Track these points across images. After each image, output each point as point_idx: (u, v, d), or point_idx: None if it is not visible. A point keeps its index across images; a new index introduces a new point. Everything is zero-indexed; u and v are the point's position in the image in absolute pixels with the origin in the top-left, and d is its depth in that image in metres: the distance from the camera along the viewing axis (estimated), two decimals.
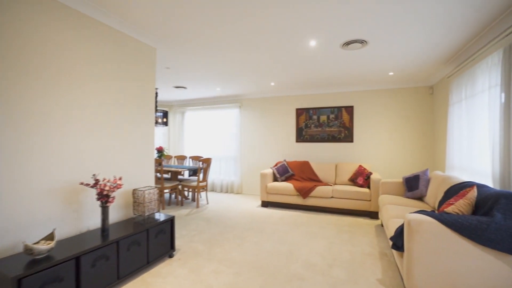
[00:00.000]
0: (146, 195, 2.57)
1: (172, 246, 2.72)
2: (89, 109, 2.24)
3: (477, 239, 1.64)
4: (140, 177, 2.80)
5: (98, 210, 2.32)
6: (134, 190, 2.58)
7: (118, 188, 2.19)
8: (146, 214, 2.58)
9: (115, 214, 2.51)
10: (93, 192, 2.27)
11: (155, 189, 2.68)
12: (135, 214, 2.61)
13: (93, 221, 2.28)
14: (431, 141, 4.64)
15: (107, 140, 2.41)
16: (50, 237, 1.77)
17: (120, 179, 2.26)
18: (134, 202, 2.59)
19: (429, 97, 4.65)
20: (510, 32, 2.21)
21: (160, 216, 2.69)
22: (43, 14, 1.90)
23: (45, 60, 1.92)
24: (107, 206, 2.14)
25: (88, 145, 2.23)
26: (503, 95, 2.29)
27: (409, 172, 4.79)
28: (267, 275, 2.34)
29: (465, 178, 3.01)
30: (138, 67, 2.76)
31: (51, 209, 1.95)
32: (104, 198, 2.10)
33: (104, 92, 2.38)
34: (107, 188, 2.10)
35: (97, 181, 2.09)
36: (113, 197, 2.18)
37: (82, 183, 2.03)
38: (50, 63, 1.95)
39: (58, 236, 2.00)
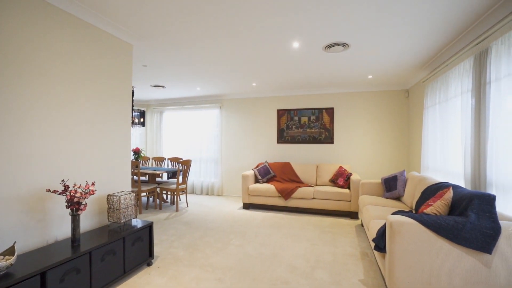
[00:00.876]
0: (122, 201, 2.41)
1: (150, 254, 2.58)
2: (57, 106, 2.05)
3: (454, 239, 1.70)
4: (116, 181, 2.63)
5: (68, 219, 2.14)
6: (108, 195, 2.41)
7: (90, 194, 2.03)
8: (122, 221, 2.43)
9: (88, 221, 2.33)
10: (62, 199, 2.09)
11: (132, 194, 2.53)
12: (110, 221, 2.44)
13: (63, 231, 2.10)
14: (407, 143, 4.85)
15: (78, 142, 2.23)
16: (10, 251, 1.59)
17: (93, 184, 2.10)
18: (109, 208, 2.43)
19: (404, 100, 4.85)
20: (480, 41, 2.34)
21: (138, 223, 2.54)
22: (5, 4, 1.71)
23: (8, 54, 1.72)
24: (78, 214, 1.97)
25: (56, 147, 2.04)
26: (473, 100, 2.42)
27: (386, 173, 4.97)
28: (251, 280, 2.29)
29: (439, 178, 3.16)
30: (114, 64, 2.59)
31: (11, 220, 1.75)
32: (74, 205, 1.93)
33: (75, 89, 2.19)
34: (78, 194, 1.93)
35: (66, 187, 1.92)
36: (85, 204, 2.01)
37: (49, 190, 1.85)
38: (13, 55, 1.75)
39: (20, 249, 1.80)
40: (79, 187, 2.01)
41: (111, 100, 2.56)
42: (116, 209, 2.41)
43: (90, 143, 2.34)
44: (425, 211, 1.93)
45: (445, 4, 2.14)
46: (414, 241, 1.78)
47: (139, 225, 2.48)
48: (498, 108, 2.14)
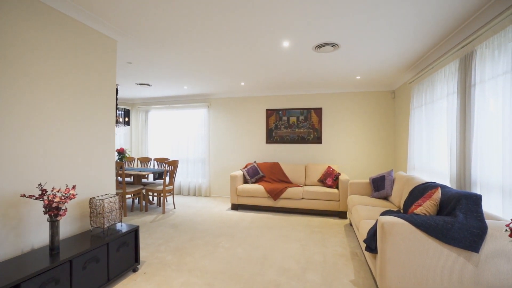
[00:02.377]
0: (106, 205, 2.29)
1: (136, 259, 2.47)
2: (34, 104, 1.91)
3: (443, 238, 1.73)
4: (99, 183, 2.49)
5: (46, 225, 2.00)
6: (91, 199, 2.29)
7: (71, 198, 1.90)
8: (106, 225, 2.30)
9: (68, 227, 2.19)
10: (39, 204, 1.95)
11: (116, 197, 2.41)
12: (93, 226, 2.31)
13: (40, 238, 1.96)
14: (393, 143, 4.95)
15: (58, 142, 2.09)
16: None
17: (73, 188, 1.97)
18: (92, 212, 2.30)
19: (391, 101, 4.95)
20: (465, 44, 2.40)
21: (122, 227, 2.43)
22: None
23: None
24: (57, 220, 1.84)
25: (33, 148, 1.90)
26: (459, 102, 2.48)
27: (374, 172, 5.05)
28: (242, 284, 2.24)
29: (425, 178, 3.24)
30: (97, 60, 2.45)
31: None
32: (53, 211, 1.80)
33: (54, 86, 2.05)
34: (56, 199, 1.81)
35: (44, 191, 1.79)
36: (65, 209, 1.88)
37: (23, 195, 1.71)
38: None
39: None
40: (58, 191, 1.88)
41: (94, 98, 2.43)
42: (99, 213, 2.28)
43: (70, 144, 2.21)
44: (415, 211, 1.95)
45: (431, 9, 2.18)
46: (405, 241, 1.79)
47: (124, 229, 2.37)
48: (483, 110, 2.20)
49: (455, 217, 1.77)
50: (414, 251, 1.77)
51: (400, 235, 1.79)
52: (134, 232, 2.46)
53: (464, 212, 1.78)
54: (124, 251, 2.33)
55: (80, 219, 2.31)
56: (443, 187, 2.22)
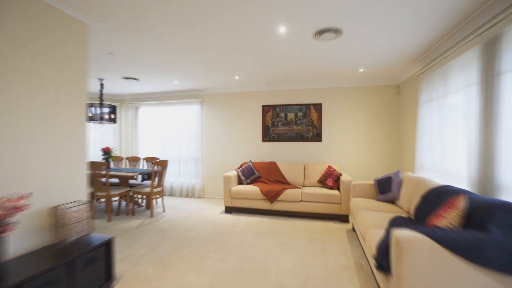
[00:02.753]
0: (72, 214, 1.96)
1: (109, 277, 2.14)
2: None
3: (475, 260, 1.41)
4: (66, 189, 2.15)
5: None
6: (53, 208, 1.95)
7: (21, 210, 1.57)
8: (73, 238, 1.98)
9: (25, 242, 1.85)
10: None
11: (86, 204, 2.07)
12: (56, 240, 1.98)
13: None
14: (398, 141, 4.63)
15: (10, 141, 1.75)
16: None
17: (27, 196, 1.64)
18: (55, 223, 1.96)
19: (395, 96, 4.62)
20: (490, 27, 2.06)
21: (92, 239, 2.09)
22: None
23: None
24: (1, 238, 1.51)
25: None
26: (480, 94, 2.16)
27: (377, 173, 4.73)
28: None
29: (436, 179, 2.91)
30: (62, 46, 2.10)
31: None
32: None
33: (5, 74, 1.71)
34: (0, 212, 1.47)
35: None
36: (14, 223, 1.55)
37: None
38: None
39: None
40: (3, 202, 1.54)
41: (59, 89, 2.08)
42: (65, 225, 1.95)
43: (28, 143, 1.86)
44: (438, 224, 1.63)
45: None
46: (426, 261, 1.47)
47: (94, 242, 2.04)
48: (511, 102, 1.87)
49: (488, 233, 1.45)
50: (437, 274, 1.46)
51: (420, 254, 1.47)
52: (106, 245, 2.13)
53: (501, 227, 1.45)
54: (93, 268, 2.00)
55: (41, 231, 1.96)
56: (465, 192, 1.90)
